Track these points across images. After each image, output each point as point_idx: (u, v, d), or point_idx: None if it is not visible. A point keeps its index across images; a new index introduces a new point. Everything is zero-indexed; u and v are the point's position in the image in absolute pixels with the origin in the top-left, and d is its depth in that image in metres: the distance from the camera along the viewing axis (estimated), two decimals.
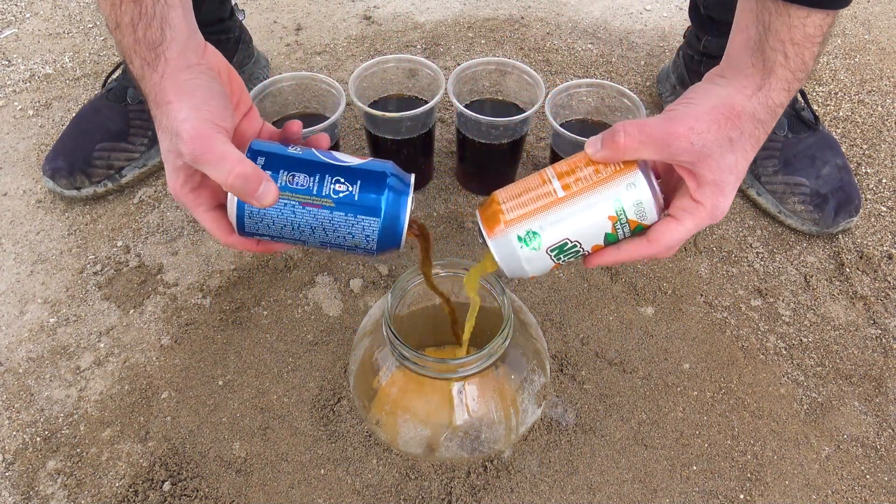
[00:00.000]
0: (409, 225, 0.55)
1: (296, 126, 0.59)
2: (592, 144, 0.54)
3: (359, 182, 0.53)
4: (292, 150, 0.54)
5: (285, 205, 0.53)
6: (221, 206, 0.57)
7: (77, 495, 0.72)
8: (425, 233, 0.61)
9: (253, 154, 0.53)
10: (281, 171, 0.53)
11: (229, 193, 0.53)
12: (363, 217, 0.53)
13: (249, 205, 0.52)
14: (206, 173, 0.52)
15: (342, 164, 0.54)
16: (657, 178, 0.57)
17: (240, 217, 0.54)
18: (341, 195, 0.53)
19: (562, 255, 0.55)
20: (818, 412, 0.78)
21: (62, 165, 0.95)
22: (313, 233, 0.54)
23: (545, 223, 0.53)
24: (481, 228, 0.56)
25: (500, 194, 0.56)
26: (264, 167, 0.52)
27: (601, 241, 0.54)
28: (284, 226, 0.54)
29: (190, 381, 0.81)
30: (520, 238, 0.54)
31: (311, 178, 0.53)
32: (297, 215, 0.53)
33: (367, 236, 0.54)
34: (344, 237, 0.54)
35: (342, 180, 0.53)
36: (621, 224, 0.53)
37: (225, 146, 0.51)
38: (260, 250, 0.59)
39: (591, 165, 0.54)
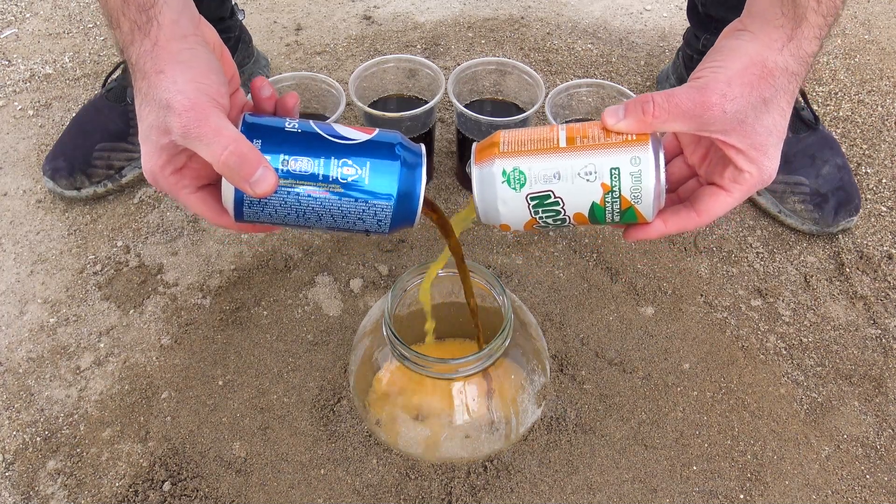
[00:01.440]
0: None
1: (292, 100, 0.54)
2: (613, 114, 0.50)
3: (368, 163, 0.48)
4: (290, 127, 0.49)
5: (288, 192, 0.48)
6: (207, 186, 0.53)
7: (77, 495, 0.72)
8: (437, 210, 0.57)
9: (248, 129, 0.48)
10: (281, 155, 0.48)
11: (225, 180, 0.48)
12: (375, 201, 0.49)
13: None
14: (197, 150, 0.47)
15: (348, 142, 0.49)
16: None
17: (237, 204, 0.49)
18: (350, 179, 0.48)
19: (540, 211, 0.51)
20: (818, 412, 0.78)
21: (62, 165, 0.95)
22: (320, 219, 0.50)
23: (535, 166, 0.50)
24: (471, 157, 0.53)
25: (503, 132, 0.53)
26: (263, 150, 0.47)
27: (586, 211, 0.51)
28: (288, 214, 0.49)
29: (190, 381, 0.81)
30: (504, 172, 0.50)
31: (316, 162, 0.48)
32: (301, 202, 0.49)
33: (380, 220, 0.50)
34: (354, 222, 0.50)
35: (350, 162, 0.48)
36: (612, 198, 0.50)
37: (221, 121, 0.47)
38: (256, 231, 0.55)
39: (604, 130, 0.51)
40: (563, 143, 0.50)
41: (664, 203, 0.52)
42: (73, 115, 1.02)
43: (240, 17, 1.08)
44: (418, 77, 0.94)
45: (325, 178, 0.48)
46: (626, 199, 0.50)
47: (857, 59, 1.20)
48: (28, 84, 1.15)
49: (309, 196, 0.48)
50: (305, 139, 0.49)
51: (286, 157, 0.48)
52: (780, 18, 0.50)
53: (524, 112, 0.91)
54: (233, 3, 1.07)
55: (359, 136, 0.50)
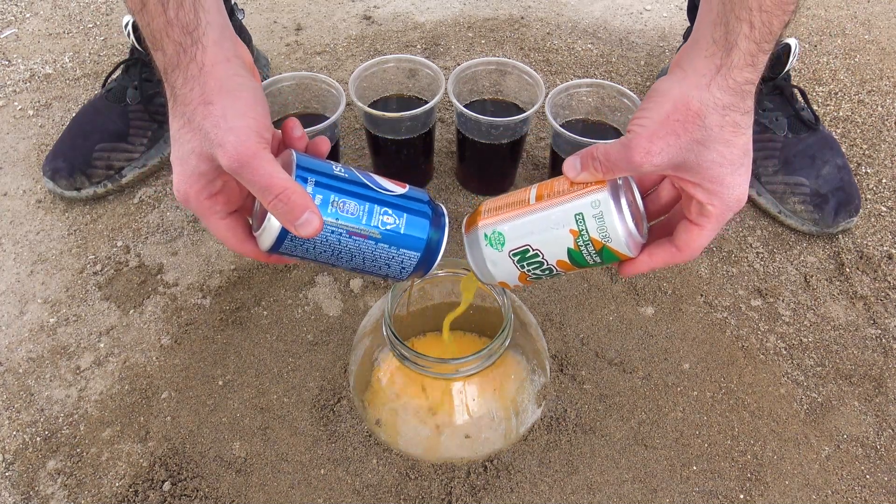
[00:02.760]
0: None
1: (325, 146, 0.56)
2: (571, 168, 0.52)
3: (405, 216, 0.53)
4: (338, 170, 0.52)
5: (332, 231, 0.51)
6: (235, 212, 0.55)
7: (77, 495, 0.72)
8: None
9: (302, 173, 0.50)
10: (332, 195, 0.50)
11: (269, 213, 0.49)
12: (405, 250, 0.53)
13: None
14: (247, 187, 0.49)
15: (389, 194, 0.53)
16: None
17: (280, 239, 0.51)
18: (389, 228, 0.52)
19: (524, 264, 0.55)
20: (818, 412, 0.78)
21: (62, 166, 0.95)
22: (351, 259, 0.53)
23: (510, 226, 0.54)
24: (462, 229, 0.58)
25: (486, 200, 0.58)
26: (315, 189, 0.50)
27: (565, 257, 0.54)
28: (323, 252, 0.52)
29: (190, 381, 0.81)
30: (486, 236, 0.55)
31: (362, 207, 0.51)
32: (341, 243, 0.52)
33: (404, 268, 0.55)
34: (380, 266, 0.54)
35: (390, 212, 0.52)
36: (584, 241, 0.52)
37: (272, 166, 0.48)
38: (272, 261, 0.56)
39: (569, 182, 0.54)
40: (532, 201, 0.54)
41: (644, 238, 0.55)
42: (73, 115, 1.02)
43: (240, 17, 1.08)
44: (418, 77, 0.94)
45: (368, 224, 0.52)
46: (596, 240, 0.52)
47: (857, 59, 1.20)
48: (28, 84, 1.16)
49: (350, 238, 0.52)
50: (353, 183, 0.52)
51: (336, 197, 0.51)
52: (711, 47, 0.50)
53: (524, 112, 0.91)
54: (233, 3, 1.07)
55: (394, 188, 0.54)
